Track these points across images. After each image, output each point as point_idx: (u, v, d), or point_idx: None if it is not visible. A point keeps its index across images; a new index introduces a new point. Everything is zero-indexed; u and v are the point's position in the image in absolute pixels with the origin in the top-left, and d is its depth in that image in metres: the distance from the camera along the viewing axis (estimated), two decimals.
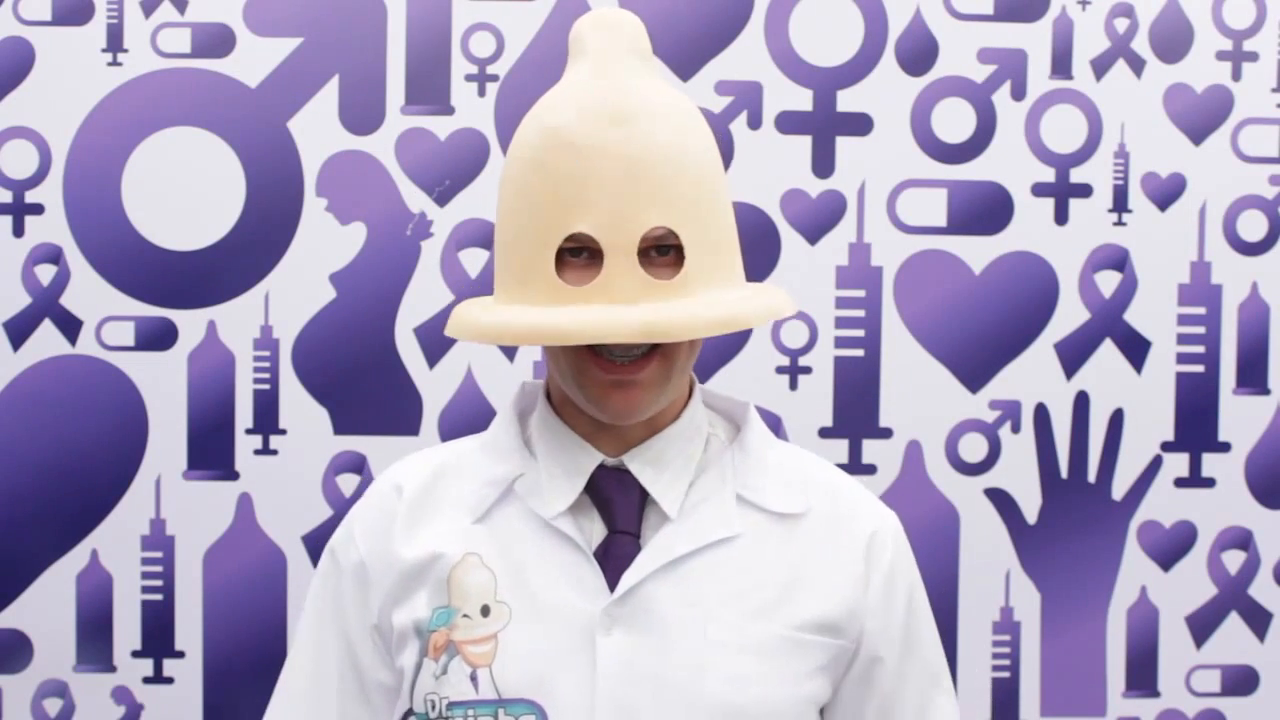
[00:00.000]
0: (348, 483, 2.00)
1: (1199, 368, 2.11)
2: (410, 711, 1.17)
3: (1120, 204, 2.09)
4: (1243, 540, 2.12)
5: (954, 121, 2.07)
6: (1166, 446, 2.10)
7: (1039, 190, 2.08)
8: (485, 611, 1.15)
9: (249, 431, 1.99)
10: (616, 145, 1.09)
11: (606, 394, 1.12)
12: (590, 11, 1.18)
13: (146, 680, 1.99)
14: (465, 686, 1.13)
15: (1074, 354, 2.09)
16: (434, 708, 1.14)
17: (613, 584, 1.14)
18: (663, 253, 1.10)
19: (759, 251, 2.04)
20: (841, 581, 1.19)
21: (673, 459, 1.18)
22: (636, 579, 1.14)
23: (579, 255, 1.10)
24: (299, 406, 2.00)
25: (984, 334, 2.08)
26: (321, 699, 1.23)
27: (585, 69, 1.14)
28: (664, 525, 1.17)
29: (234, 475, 1.99)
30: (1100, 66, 2.09)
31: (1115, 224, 2.09)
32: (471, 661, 1.14)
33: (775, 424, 2.04)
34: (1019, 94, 2.08)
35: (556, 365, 1.15)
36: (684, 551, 1.16)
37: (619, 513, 1.17)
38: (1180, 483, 2.11)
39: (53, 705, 1.98)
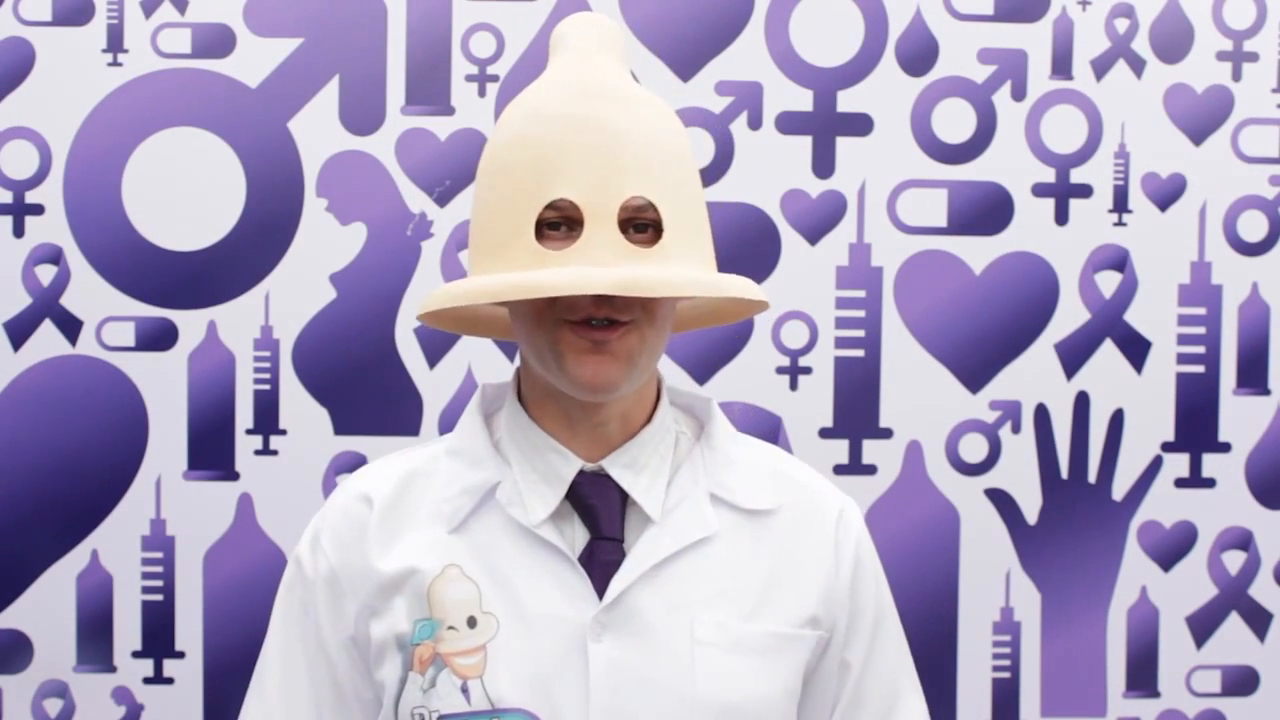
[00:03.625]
0: None
1: (1199, 368, 2.11)
2: None
3: (1120, 204, 2.09)
4: (1243, 540, 2.12)
5: (954, 122, 2.07)
6: (1167, 447, 2.10)
7: (1039, 190, 2.08)
8: (472, 623, 1.14)
9: (249, 432, 1.99)
10: (597, 117, 1.11)
11: (581, 361, 1.11)
12: (571, 15, 1.21)
13: (147, 681, 1.99)
14: (457, 699, 1.13)
15: (1074, 354, 2.09)
16: None
17: (600, 590, 1.14)
18: (640, 229, 1.12)
19: (759, 251, 2.04)
20: (815, 573, 1.21)
21: (649, 461, 1.19)
22: (625, 584, 1.14)
23: (558, 228, 1.11)
24: (299, 407, 2.00)
25: (984, 334, 2.08)
26: (295, 712, 1.20)
27: (565, 60, 1.18)
28: (646, 528, 1.17)
29: (234, 475, 1.99)
30: (1100, 67, 2.09)
31: (1115, 224, 2.09)
32: (461, 673, 1.13)
33: (775, 424, 2.04)
34: (1019, 94, 2.08)
35: (533, 343, 1.15)
36: (667, 554, 1.16)
37: (603, 518, 1.17)
38: (1180, 483, 2.11)
39: (53, 706, 1.98)
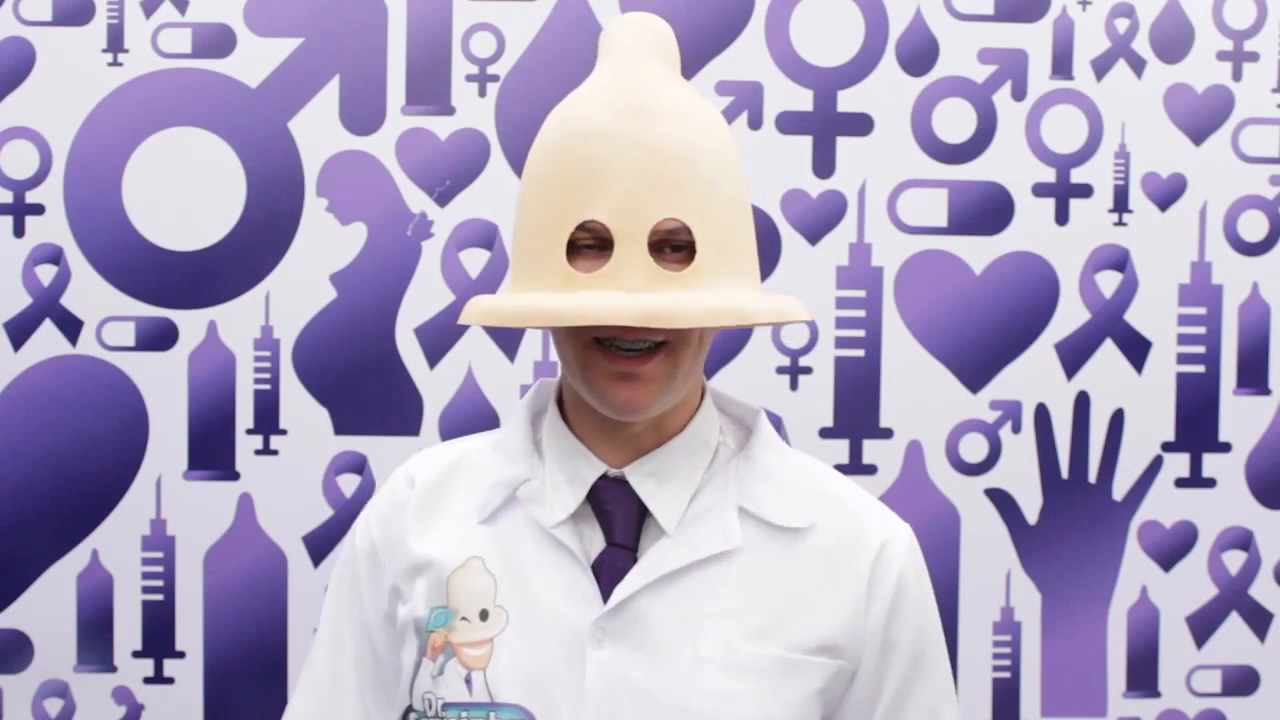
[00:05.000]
0: (348, 483, 2.00)
1: (1199, 368, 2.11)
2: (410, 708, 1.18)
3: (1121, 204, 2.09)
4: (1243, 540, 2.12)
5: (954, 121, 2.07)
6: (1167, 446, 2.10)
7: (1039, 190, 2.08)
8: (484, 616, 1.15)
9: (249, 431, 1.99)
10: (634, 136, 1.09)
11: (611, 386, 1.12)
12: (622, 14, 1.19)
13: (147, 680, 1.99)
14: (460, 688, 1.14)
15: (1074, 354, 2.09)
16: (430, 706, 1.15)
17: (607, 596, 1.14)
18: (676, 249, 1.10)
19: (759, 251, 2.03)
20: (844, 600, 1.17)
21: (675, 471, 1.18)
22: (628, 593, 1.14)
23: (592, 246, 1.10)
24: (299, 406, 2.00)
25: (984, 334, 2.08)
26: (340, 685, 1.24)
27: (611, 67, 1.15)
28: (661, 538, 1.16)
29: (234, 475, 1.99)
30: (1101, 66, 2.09)
31: (1116, 224, 2.09)
32: (467, 664, 1.15)
33: (775, 424, 2.03)
34: (1019, 94, 2.08)
35: (564, 358, 1.15)
36: (678, 566, 1.15)
37: (617, 525, 1.16)
38: (1181, 483, 2.11)
39: (53, 705, 1.98)
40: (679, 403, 1.18)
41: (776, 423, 2.03)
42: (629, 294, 1.07)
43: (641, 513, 1.17)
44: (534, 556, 1.16)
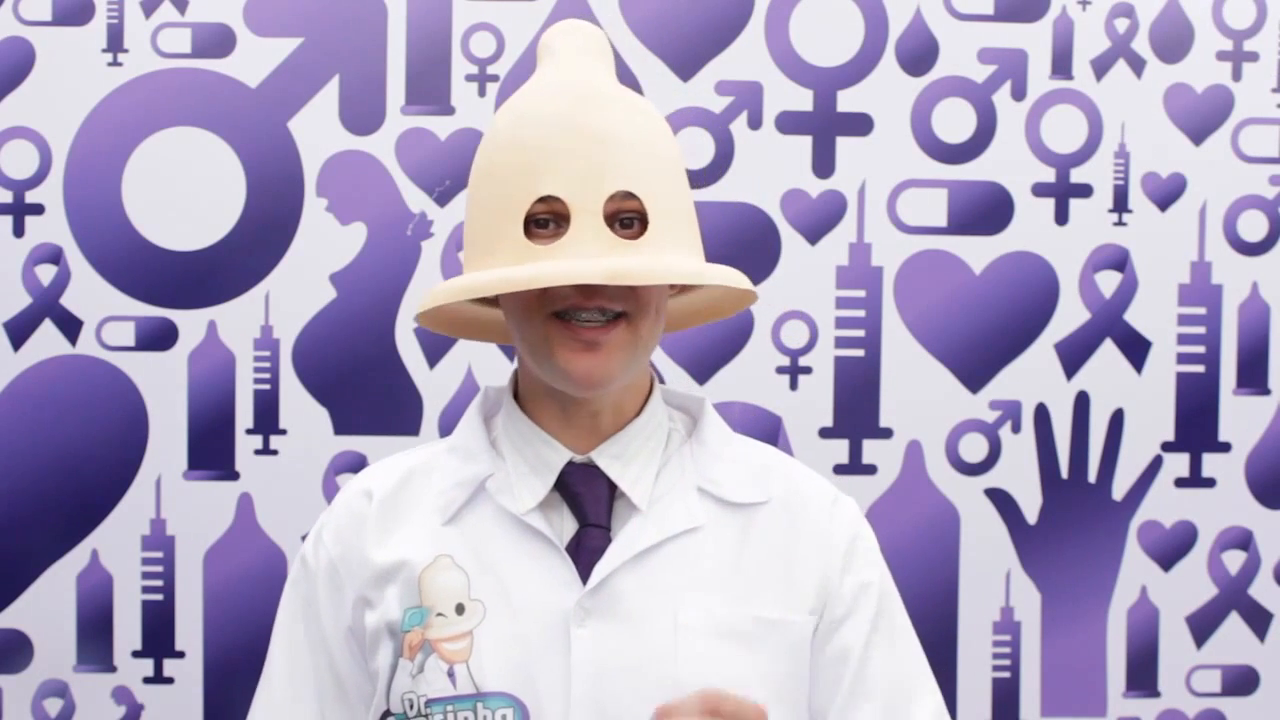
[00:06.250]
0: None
1: (1199, 368, 2.11)
2: (388, 712, 1.18)
3: (1120, 204, 2.09)
4: (1243, 540, 2.12)
5: (954, 121, 2.07)
6: (1167, 446, 2.10)
7: (1039, 190, 2.08)
8: (460, 610, 1.17)
9: (249, 431, 1.99)
10: (584, 119, 1.14)
11: (574, 359, 1.14)
12: (557, 23, 1.23)
13: (147, 680, 1.99)
14: (443, 683, 1.15)
15: (1074, 354, 2.09)
16: (412, 706, 1.16)
17: (585, 577, 1.16)
18: (626, 225, 1.14)
19: (759, 251, 2.04)
20: (809, 559, 1.21)
21: (637, 453, 1.21)
22: (608, 570, 1.16)
23: (545, 225, 1.13)
24: (299, 406, 2.00)
25: (984, 334, 2.08)
26: (299, 703, 1.24)
27: (554, 67, 1.20)
28: (632, 517, 1.19)
29: (234, 475, 1.99)
30: (1100, 66, 2.09)
31: (1115, 224, 2.09)
32: (447, 658, 1.15)
33: (775, 424, 2.04)
34: (1019, 94, 2.08)
35: (524, 338, 1.17)
36: (652, 542, 1.18)
37: (589, 507, 1.19)
38: (1180, 483, 2.11)
39: (53, 705, 1.98)
40: (634, 387, 1.22)
41: (776, 423, 2.04)
42: (590, 260, 1.10)
43: (610, 495, 1.20)
44: (505, 547, 1.18)
